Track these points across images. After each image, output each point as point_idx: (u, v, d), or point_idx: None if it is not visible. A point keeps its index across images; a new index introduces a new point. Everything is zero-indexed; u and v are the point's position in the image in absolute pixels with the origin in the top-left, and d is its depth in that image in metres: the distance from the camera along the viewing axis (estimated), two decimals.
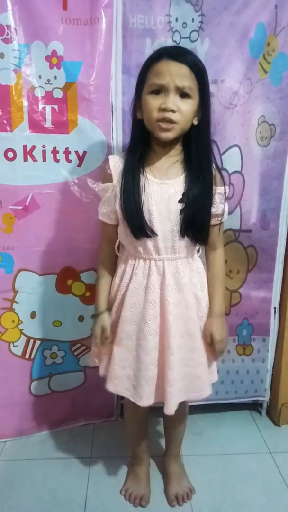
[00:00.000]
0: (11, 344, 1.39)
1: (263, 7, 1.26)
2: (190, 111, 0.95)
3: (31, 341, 1.41)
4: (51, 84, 1.24)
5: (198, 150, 1.01)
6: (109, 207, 1.05)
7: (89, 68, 1.24)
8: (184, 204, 1.00)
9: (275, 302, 1.49)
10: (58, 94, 1.24)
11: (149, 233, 1.00)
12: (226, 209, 1.09)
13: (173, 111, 0.92)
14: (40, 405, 1.47)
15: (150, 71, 0.95)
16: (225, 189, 1.06)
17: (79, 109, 1.26)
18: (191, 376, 1.08)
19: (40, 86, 1.23)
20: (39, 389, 1.46)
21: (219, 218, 1.08)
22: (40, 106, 1.24)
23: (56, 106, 1.25)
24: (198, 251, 1.11)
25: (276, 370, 1.55)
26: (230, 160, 1.35)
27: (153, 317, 1.04)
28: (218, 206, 1.05)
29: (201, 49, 1.26)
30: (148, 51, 1.23)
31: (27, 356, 1.41)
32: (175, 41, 1.24)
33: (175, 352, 1.03)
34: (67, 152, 1.29)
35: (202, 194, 1.01)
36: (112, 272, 1.13)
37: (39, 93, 1.24)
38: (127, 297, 1.06)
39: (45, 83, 1.23)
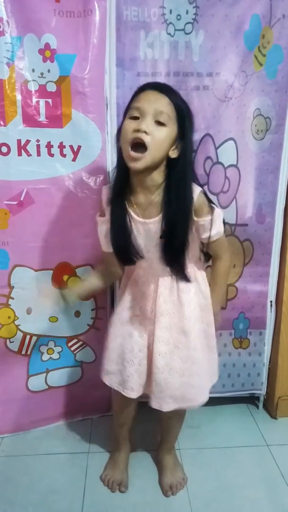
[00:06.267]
0: (7, 340, 1.39)
1: None
2: (163, 139, 0.95)
3: (28, 337, 1.40)
4: (45, 77, 1.22)
5: (177, 189, 0.99)
6: (107, 238, 1.09)
7: (83, 61, 1.22)
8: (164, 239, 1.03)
9: (272, 296, 1.50)
10: (51, 87, 1.23)
11: (135, 259, 1.06)
12: (220, 229, 1.08)
13: (146, 132, 0.92)
14: (37, 400, 1.47)
15: (132, 101, 0.98)
16: (212, 217, 1.04)
17: (73, 102, 1.24)
18: (187, 386, 1.11)
19: (33, 80, 1.22)
20: (36, 385, 1.45)
21: (214, 238, 1.08)
22: (34, 100, 1.23)
23: (50, 100, 1.24)
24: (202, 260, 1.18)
25: (273, 363, 1.56)
26: (225, 154, 1.34)
27: (147, 321, 1.11)
28: (206, 232, 1.06)
29: (196, 42, 1.25)
30: (143, 44, 1.23)
31: (23, 352, 1.41)
32: (169, 33, 1.23)
33: (161, 357, 1.09)
34: (61, 146, 1.28)
35: (178, 233, 1.01)
36: (104, 280, 1.21)
37: (33, 87, 1.23)
38: (124, 298, 1.15)
39: (38, 76, 1.22)
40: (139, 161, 0.94)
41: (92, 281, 1.21)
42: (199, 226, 1.05)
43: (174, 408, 1.13)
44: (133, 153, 0.94)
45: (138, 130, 0.93)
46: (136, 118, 0.95)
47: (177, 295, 1.10)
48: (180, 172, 1.00)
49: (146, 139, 0.93)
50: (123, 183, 1.03)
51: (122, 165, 1.01)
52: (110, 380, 1.17)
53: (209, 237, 1.06)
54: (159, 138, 0.94)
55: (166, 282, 1.09)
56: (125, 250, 1.05)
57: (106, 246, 1.12)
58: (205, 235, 1.06)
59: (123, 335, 1.14)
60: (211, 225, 1.05)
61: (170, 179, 1.00)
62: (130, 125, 0.95)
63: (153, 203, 1.03)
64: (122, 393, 1.14)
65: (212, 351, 1.18)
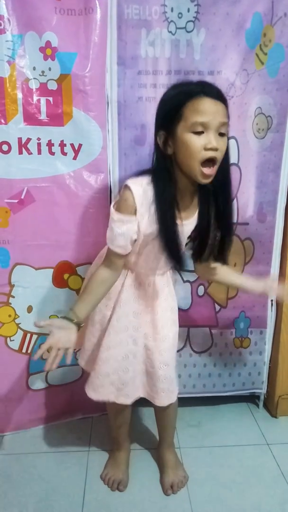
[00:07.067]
0: (8, 339, 1.39)
1: None
2: (225, 149, 0.96)
3: (28, 335, 1.40)
4: (46, 75, 1.22)
5: (219, 186, 1.01)
6: (128, 240, 1.02)
7: (84, 59, 1.22)
8: (191, 238, 1.08)
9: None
10: (52, 86, 1.23)
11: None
12: None
13: (216, 149, 0.92)
14: (37, 399, 1.47)
15: (188, 108, 0.91)
16: None
17: (74, 101, 1.24)
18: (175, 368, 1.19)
19: (34, 78, 1.22)
20: (36, 383, 1.46)
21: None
22: (35, 98, 1.23)
23: (51, 98, 1.24)
24: None
25: (273, 362, 1.56)
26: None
27: (144, 323, 1.13)
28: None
29: (197, 40, 1.24)
30: (144, 42, 1.23)
31: (24, 351, 1.41)
32: (170, 32, 1.23)
33: (166, 352, 1.14)
34: (62, 144, 1.28)
35: (211, 231, 1.06)
36: (108, 288, 1.09)
37: (34, 85, 1.22)
38: (118, 307, 1.12)
39: (39, 74, 1.22)
40: (211, 178, 0.95)
41: (99, 298, 1.09)
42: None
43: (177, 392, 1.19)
44: (208, 171, 0.93)
45: (209, 149, 0.91)
46: (200, 132, 0.91)
47: (168, 288, 1.16)
48: (225, 174, 1.00)
49: (217, 155, 0.93)
50: (171, 188, 0.99)
51: (168, 169, 0.98)
52: (98, 394, 1.15)
53: None
54: (224, 150, 0.95)
55: (161, 280, 1.14)
56: (180, 254, 1.03)
57: (122, 247, 1.02)
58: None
59: (117, 345, 1.12)
60: None
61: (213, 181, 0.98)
62: (196, 141, 0.91)
63: (191, 204, 1.05)
64: (116, 401, 1.15)
65: None
